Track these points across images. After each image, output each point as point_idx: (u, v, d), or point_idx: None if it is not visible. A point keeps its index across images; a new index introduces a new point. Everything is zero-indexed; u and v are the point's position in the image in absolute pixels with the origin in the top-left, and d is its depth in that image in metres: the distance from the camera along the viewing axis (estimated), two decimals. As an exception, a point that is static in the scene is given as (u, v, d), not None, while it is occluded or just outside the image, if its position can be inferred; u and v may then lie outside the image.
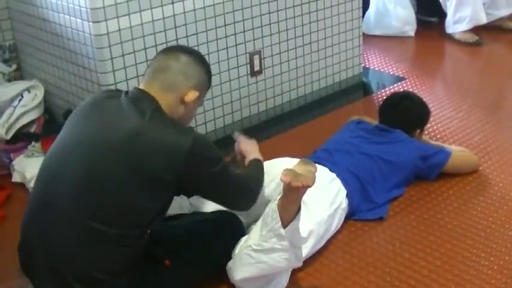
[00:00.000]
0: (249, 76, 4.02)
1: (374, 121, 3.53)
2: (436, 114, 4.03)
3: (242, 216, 2.81)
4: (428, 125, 3.67)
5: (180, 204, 2.93)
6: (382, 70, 4.94)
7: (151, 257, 2.50)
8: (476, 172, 3.42)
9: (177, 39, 3.57)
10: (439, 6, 5.57)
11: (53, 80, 3.91)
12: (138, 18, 3.43)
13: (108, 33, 3.36)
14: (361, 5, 4.55)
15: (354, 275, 2.75)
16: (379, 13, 5.61)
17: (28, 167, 3.48)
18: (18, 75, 4.18)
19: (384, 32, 5.59)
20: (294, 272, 2.71)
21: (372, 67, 5.00)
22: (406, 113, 3.41)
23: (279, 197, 2.49)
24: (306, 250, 2.70)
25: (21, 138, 3.76)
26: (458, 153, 3.41)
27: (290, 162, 2.85)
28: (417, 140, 3.40)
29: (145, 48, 3.48)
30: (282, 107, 4.26)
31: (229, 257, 2.65)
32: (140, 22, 3.44)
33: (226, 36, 3.82)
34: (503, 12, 5.52)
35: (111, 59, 3.41)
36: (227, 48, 3.85)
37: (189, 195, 2.96)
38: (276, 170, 2.85)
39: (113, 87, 3.41)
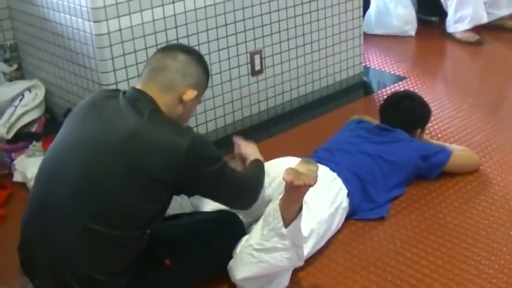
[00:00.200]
0: (250, 75, 4.02)
1: (375, 120, 3.53)
2: (437, 113, 4.03)
3: (243, 216, 2.81)
4: (429, 125, 3.66)
5: (180, 204, 2.93)
6: (382, 69, 4.94)
7: (151, 257, 2.49)
8: (477, 171, 3.42)
9: (177, 39, 3.57)
10: (440, 6, 5.57)
11: (54, 80, 3.91)
12: (139, 17, 3.43)
13: (109, 33, 3.36)
14: (361, 4, 4.55)
15: (355, 275, 2.75)
16: (380, 12, 5.61)
17: (29, 167, 3.48)
18: (19, 74, 4.18)
19: (385, 31, 5.59)
20: (295, 271, 2.71)
21: (372, 66, 5.00)
22: (406, 112, 3.41)
23: (281, 196, 2.49)
24: (307, 249, 2.70)
25: (22, 138, 3.76)
26: (459, 152, 3.42)
27: (291, 162, 2.85)
28: (418, 139, 3.40)
29: (146, 48, 3.48)
30: (282, 107, 4.26)
31: (229, 257, 2.65)
32: (141, 21, 3.44)
33: (227, 36, 3.82)
34: (504, 12, 5.51)
35: (112, 58, 3.41)
36: (228, 47, 3.85)
37: (189, 195, 2.96)
38: (277, 169, 2.86)
39: (113, 86, 3.41)
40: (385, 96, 3.73)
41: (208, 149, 2.44)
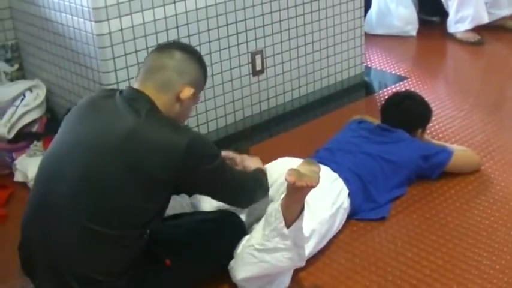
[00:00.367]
0: (251, 75, 4.02)
1: (376, 120, 3.53)
2: (438, 113, 4.03)
3: (244, 216, 2.81)
4: (430, 125, 3.66)
5: (181, 204, 2.92)
6: (384, 69, 4.94)
7: (151, 257, 2.49)
8: (478, 171, 3.42)
9: (179, 39, 3.57)
10: (441, 6, 5.57)
11: (55, 80, 3.92)
12: (140, 17, 3.43)
13: (110, 33, 3.36)
14: (363, 4, 4.55)
15: (356, 275, 2.75)
16: (381, 12, 5.61)
17: (30, 167, 3.48)
18: (20, 74, 4.18)
19: (386, 31, 5.59)
20: (296, 271, 2.71)
21: (373, 66, 5.00)
22: (408, 112, 3.41)
23: (282, 196, 2.49)
24: (308, 249, 2.70)
25: (23, 138, 3.76)
26: (460, 152, 3.42)
27: (292, 162, 2.86)
28: (419, 139, 3.40)
29: (147, 48, 3.48)
30: (283, 107, 4.26)
31: (230, 257, 2.65)
32: (142, 21, 3.44)
33: (228, 36, 3.82)
34: (505, 12, 5.51)
35: (113, 58, 3.41)
36: (229, 47, 3.85)
37: (190, 194, 2.96)
38: (278, 170, 2.86)
39: (114, 86, 3.42)
40: (386, 96, 3.73)
41: (207, 147, 2.44)
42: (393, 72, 4.87)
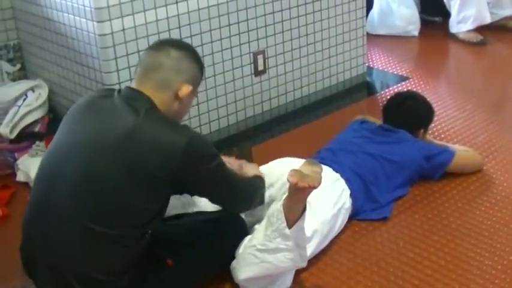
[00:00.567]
0: (253, 76, 4.02)
1: (378, 121, 3.53)
2: (440, 113, 4.03)
3: (246, 216, 2.81)
4: (432, 125, 3.66)
5: (182, 204, 2.93)
6: (386, 70, 4.94)
7: (153, 257, 2.49)
8: (480, 172, 3.42)
9: (181, 39, 3.57)
10: (443, 6, 5.56)
11: (57, 80, 3.92)
12: (142, 17, 3.43)
13: (112, 33, 3.36)
14: (364, 5, 4.55)
15: (358, 275, 2.75)
16: (383, 12, 5.61)
17: (32, 166, 3.48)
18: (23, 74, 4.18)
19: (388, 31, 5.59)
20: (298, 271, 2.71)
21: (375, 67, 5.00)
22: (410, 112, 3.41)
23: (284, 196, 2.49)
24: (310, 250, 2.70)
25: (26, 138, 3.77)
26: (462, 152, 3.41)
27: (293, 163, 2.86)
28: (421, 139, 3.40)
29: (149, 48, 3.48)
30: (285, 107, 4.26)
31: (232, 257, 2.65)
32: (144, 22, 3.44)
33: (230, 36, 3.82)
34: (507, 12, 5.51)
35: (116, 58, 3.41)
36: (231, 47, 3.85)
37: (191, 194, 2.96)
38: (280, 170, 2.86)
39: (116, 86, 3.42)
40: (388, 97, 3.74)
41: (205, 147, 2.44)
42: (395, 72, 4.87)
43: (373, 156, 3.18)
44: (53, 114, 3.95)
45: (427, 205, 3.18)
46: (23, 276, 2.63)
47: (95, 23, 3.34)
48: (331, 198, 2.89)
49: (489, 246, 2.87)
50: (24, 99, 3.84)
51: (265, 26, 3.96)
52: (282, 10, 4.01)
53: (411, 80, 4.69)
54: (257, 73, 4.03)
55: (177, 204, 2.90)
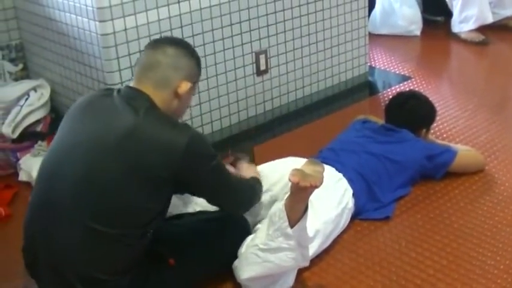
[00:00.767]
0: (255, 75, 4.02)
1: (380, 120, 3.53)
2: (442, 113, 4.03)
3: (248, 215, 2.81)
4: (434, 125, 3.66)
5: (184, 203, 2.93)
6: (388, 69, 4.94)
7: (155, 256, 2.50)
8: (482, 171, 3.42)
9: (183, 38, 3.57)
10: (445, 6, 5.56)
11: (59, 79, 3.92)
12: (144, 17, 3.43)
13: (114, 33, 3.36)
14: (367, 4, 4.55)
15: (360, 275, 2.75)
16: (385, 12, 5.61)
17: (34, 166, 3.48)
18: (25, 74, 4.18)
19: (390, 31, 5.59)
20: (300, 271, 2.71)
21: (377, 66, 4.99)
22: (412, 112, 3.41)
23: (286, 196, 2.49)
24: (313, 249, 2.70)
25: (28, 137, 3.77)
26: (464, 152, 3.41)
27: (295, 162, 2.86)
28: (423, 139, 3.40)
29: (151, 48, 3.48)
30: (287, 106, 4.27)
31: (234, 256, 2.65)
32: (146, 21, 3.45)
33: (232, 36, 3.82)
34: (509, 12, 5.50)
35: (118, 58, 3.42)
36: (233, 47, 3.85)
37: (194, 195, 2.96)
38: (282, 169, 2.86)
39: (119, 86, 3.42)
40: (390, 96, 3.73)
41: (206, 147, 2.45)
42: (397, 72, 4.87)
43: (376, 156, 3.18)
44: (55, 114, 3.95)
45: (429, 205, 3.18)
46: (25, 276, 2.63)
47: (97, 22, 3.34)
48: (334, 198, 2.89)
49: (491, 246, 2.87)
50: (27, 99, 3.84)
51: (267, 25, 3.96)
52: (284, 10, 4.01)
53: (413, 79, 4.69)
54: (259, 73, 4.03)
55: (178, 204, 2.90)
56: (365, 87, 4.66)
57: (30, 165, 3.53)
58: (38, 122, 3.85)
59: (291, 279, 2.65)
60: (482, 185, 3.32)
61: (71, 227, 2.32)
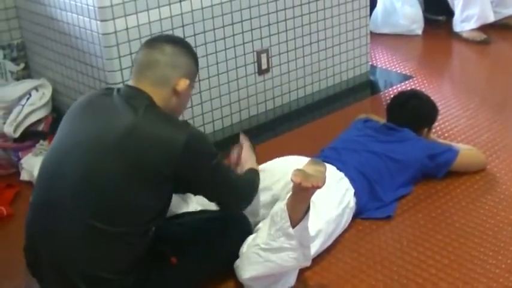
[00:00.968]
0: (257, 74, 4.02)
1: (381, 119, 3.53)
2: (444, 112, 4.03)
3: (249, 215, 2.81)
4: (436, 124, 3.66)
5: (186, 202, 2.93)
6: (389, 68, 4.94)
7: (157, 255, 2.50)
8: (483, 171, 3.42)
9: (184, 38, 3.57)
10: (447, 5, 5.57)
11: (61, 79, 3.92)
12: (145, 16, 3.43)
13: (115, 32, 3.36)
14: (368, 3, 4.55)
15: (362, 274, 2.75)
16: (387, 11, 5.61)
17: (36, 166, 3.47)
18: (26, 73, 4.19)
19: (391, 30, 5.59)
20: (302, 270, 2.71)
21: (379, 65, 4.99)
22: (414, 112, 3.41)
23: (288, 196, 2.49)
24: (314, 249, 2.70)
25: (29, 137, 3.77)
26: (466, 151, 3.41)
27: (296, 161, 2.86)
28: (425, 138, 3.40)
29: (152, 47, 3.48)
30: (289, 106, 4.27)
31: (236, 256, 2.65)
32: (148, 21, 3.45)
33: (233, 35, 3.82)
34: (511, 11, 5.50)
35: (119, 57, 3.42)
36: (234, 46, 3.85)
37: (194, 193, 2.96)
38: (283, 168, 2.86)
39: (120, 85, 3.41)
40: (392, 95, 3.73)
41: (205, 144, 2.45)
42: (399, 71, 4.87)
43: (377, 155, 3.18)
44: (57, 114, 3.95)
45: (431, 204, 3.18)
46: (27, 275, 2.63)
47: (98, 22, 3.35)
48: (335, 198, 2.89)
49: (493, 245, 2.87)
50: (28, 99, 3.84)
51: (269, 24, 3.96)
52: (285, 9, 4.01)
53: (415, 78, 4.69)
54: (260, 72, 4.03)
55: (180, 203, 2.91)
56: (366, 87, 4.66)
57: (32, 165, 3.54)
58: (39, 121, 3.85)
59: (292, 278, 2.65)
60: (484, 184, 3.32)
61: (71, 226, 2.32)
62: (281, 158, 3.11)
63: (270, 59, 4.04)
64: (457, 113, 4.10)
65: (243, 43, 3.88)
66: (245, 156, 2.94)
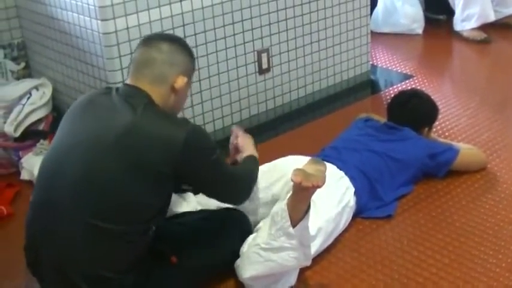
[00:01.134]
0: (257, 74, 4.02)
1: (382, 119, 3.53)
2: (444, 112, 4.03)
3: (249, 214, 2.81)
4: (436, 123, 3.66)
5: (186, 202, 2.93)
6: (390, 68, 4.94)
7: (157, 254, 2.50)
8: (484, 170, 3.42)
9: (185, 37, 3.57)
10: (447, 4, 5.57)
11: (61, 78, 3.92)
12: (146, 16, 3.43)
13: (116, 31, 3.36)
14: (369, 3, 4.55)
15: (362, 273, 2.75)
16: (387, 11, 5.61)
17: (36, 165, 3.46)
18: (27, 73, 4.19)
19: (392, 29, 5.59)
20: (302, 270, 2.71)
21: (379, 65, 4.99)
22: (414, 111, 3.41)
23: (288, 195, 2.49)
24: (314, 248, 2.69)
25: (30, 136, 3.77)
26: (467, 150, 3.41)
27: (296, 160, 2.86)
28: (425, 137, 3.40)
29: (153, 46, 3.48)
30: (290, 105, 4.26)
31: (236, 255, 2.65)
32: (148, 20, 3.45)
33: (234, 34, 3.82)
34: (511, 10, 5.50)
35: (120, 57, 3.42)
36: (235, 46, 3.85)
37: (195, 193, 2.96)
38: (284, 168, 2.86)
39: (121, 85, 3.41)
40: (392, 95, 3.73)
41: (205, 140, 2.46)
42: (399, 70, 4.87)
43: (378, 154, 3.18)
44: (57, 113, 3.95)
45: (431, 203, 3.18)
46: (27, 275, 2.63)
47: (99, 21, 3.35)
48: (335, 197, 2.89)
49: (493, 244, 2.87)
50: (29, 98, 3.84)
51: (269, 24, 3.96)
52: (286, 8, 4.01)
53: (415, 78, 4.69)
54: (261, 71, 4.03)
55: (181, 202, 2.91)
56: (367, 86, 4.66)
57: (32, 164, 3.54)
58: (40, 120, 3.85)
59: (293, 278, 2.65)
60: (484, 184, 3.32)
61: (71, 226, 2.32)
62: (280, 158, 3.11)
63: (270, 59, 4.04)
64: (457, 112, 4.10)
65: (244, 42, 3.88)
66: (242, 143, 2.94)
